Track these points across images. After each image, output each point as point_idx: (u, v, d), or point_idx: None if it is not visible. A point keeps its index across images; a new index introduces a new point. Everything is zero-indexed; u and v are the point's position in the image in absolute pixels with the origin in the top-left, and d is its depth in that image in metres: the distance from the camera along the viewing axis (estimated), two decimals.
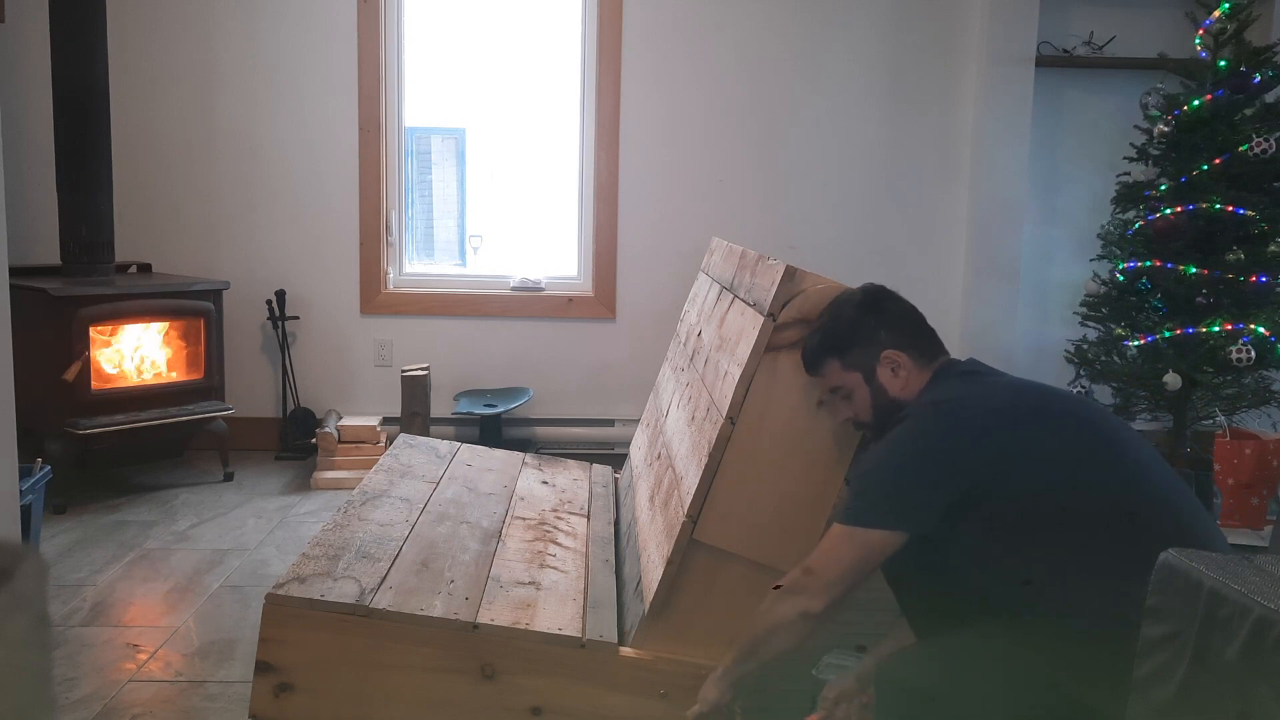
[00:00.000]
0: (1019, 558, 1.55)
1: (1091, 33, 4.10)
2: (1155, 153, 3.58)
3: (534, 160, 4.29)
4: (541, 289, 4.14)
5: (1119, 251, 3.66)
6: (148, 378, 3.54)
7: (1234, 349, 3.28)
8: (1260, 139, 3.32)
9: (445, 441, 2.83)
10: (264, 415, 4.05)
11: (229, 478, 3.61)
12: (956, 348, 4.51)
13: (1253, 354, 3.27)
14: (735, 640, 1.68)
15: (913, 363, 1.75)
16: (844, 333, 1.76)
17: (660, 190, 4.09)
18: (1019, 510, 1.56)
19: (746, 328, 1.81)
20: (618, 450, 4.03)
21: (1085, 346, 3.73)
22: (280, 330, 3.96)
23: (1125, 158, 3.69)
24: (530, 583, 1.94)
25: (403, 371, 3.70)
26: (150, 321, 3.54)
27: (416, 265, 4.28)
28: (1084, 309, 3.77)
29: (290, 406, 4.00)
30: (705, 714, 1.70)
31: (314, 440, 3.80)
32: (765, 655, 1.68)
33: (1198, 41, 3.56)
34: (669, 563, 1.72)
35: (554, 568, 2.05)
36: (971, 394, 1.68)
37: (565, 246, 4.23)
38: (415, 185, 4.33)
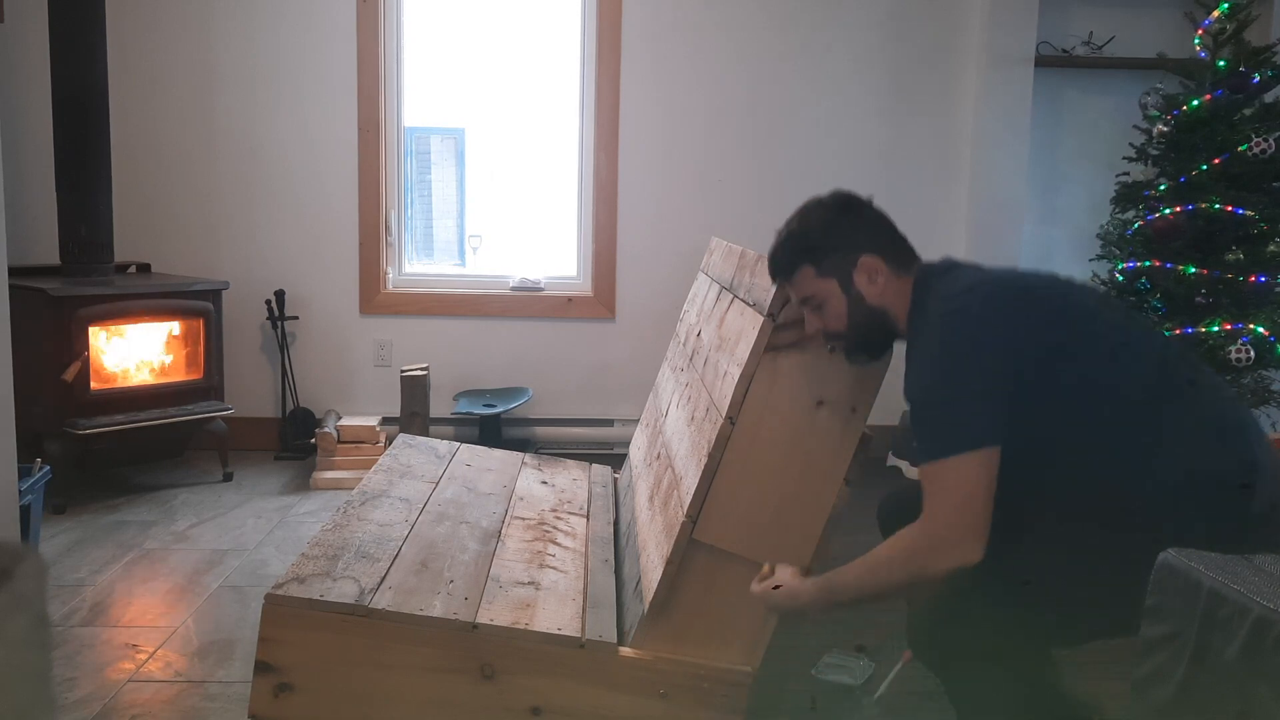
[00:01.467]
0: (1090, 431, 1.52)
1: (1091, 33, 4.10)
2: (1155, 153, 3.58)
3: (533, 160, 4.29)
4: (541, 289, 4.14)
5: (1118, 251, 3.66)
6: (147, 378, 3.54)
7: (1233, 349, 3.28)
8: (1259, 139, 3.32)
9: (445, 441, 2.83)
10: (263, 415, 4.05)
11: (228, 478, 3.61)
12: None
13: (1252, 354, 3.27)
14: (850, 575, 1.59)
15: (889, 270, 1.68)
16: (818, 237, 1.69)
17: (660, 190, 4.09)
18: (1079, 382, 1.52)
19: (746, 328, 1.81)
20: (617, 450, 4.03)
21: None
22: (280, 330, 3.96)
23: (1125, 158, 3.69)
24: (530, 583, 1.95)
25: (402, 371, 3.70)
26: (150, 321, 3.54)
27: (416, 265, 4.28)
28: None
29: (290, 406, 4.00)
30: (783, 615, 1.68)
31: (313, 440, 3.80)
32: (889, 599, 1.62)
33: (1197, 41, 3.56)
34: (668, 562, 1.72)
35: (553, 568, 2.05)
36: (984, 283, 1.60)
37: (565, 246, 4.23)
38: (415, 185, 4.33)
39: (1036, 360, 1.51)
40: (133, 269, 3.83)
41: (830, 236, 1.69)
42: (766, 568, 1.73)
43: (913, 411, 1.58)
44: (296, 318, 4.03)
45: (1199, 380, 1.57)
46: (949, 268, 1.69)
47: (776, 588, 1.69)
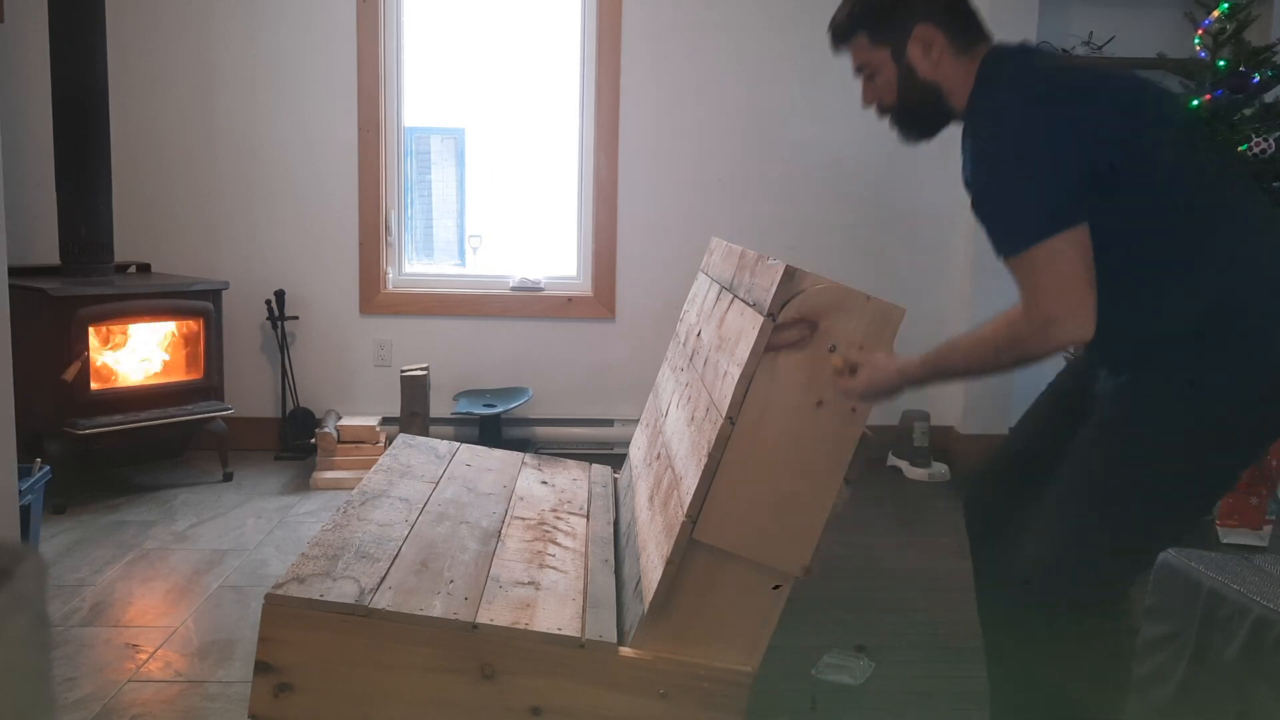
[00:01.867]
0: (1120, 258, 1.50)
1: (1091, 33, 4.10)
2: None
3: (533, 160, 4.29)
4: (541, 289, 4.14)
5: None
6: (147, 378, 3.54)
7: None
8: (1259, 139, 3.32)
9: (445, 441, 2.83)
10: (263, 415, 4.05)
11: (228, 478, 3.61)
12: None
13: None
14: (957, 355, 1.60)
15: (948, 44, 1.64)
16: (875, 3, 1.68)
17: (660, 190, 4.09)
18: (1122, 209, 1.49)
19: (746, 328, 1.81)
20: (617, 450, 4.03)
21: None
22: (280, 330, 3.96)
23: None
24: (530, 583, 1.95)
25: (402, 371, 3.70)
26: (150, 321, 3.54)
27: (416, 265, 4.28)
28: None
29: (290, 406, 4.00)
30: (875, 392, 1.65)
31: (313, 440, 3.80)
32: (987, 375, 1.65)
33: (1197, 41, 3.56)
34: (668, 562, 1.72)
35: (553, 568, 2.05)
36: (1058, 70, 1.59)
37: (565, 246, 4.23)
38: (415, 185, 4.33)
39: (1108, 151, 1.47)
40: (133, 269, 3.83)
41: (886, 3, 1.66)
42: (839, 359, 1.66)
43: (983, 204, 1.53)
44: (296, 318, 4.03)
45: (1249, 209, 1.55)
46: (1022, 51, 1.66)
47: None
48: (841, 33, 1.74)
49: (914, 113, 1.69)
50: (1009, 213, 1.50)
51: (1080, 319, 1.45)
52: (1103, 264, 1.47)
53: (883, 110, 1.73)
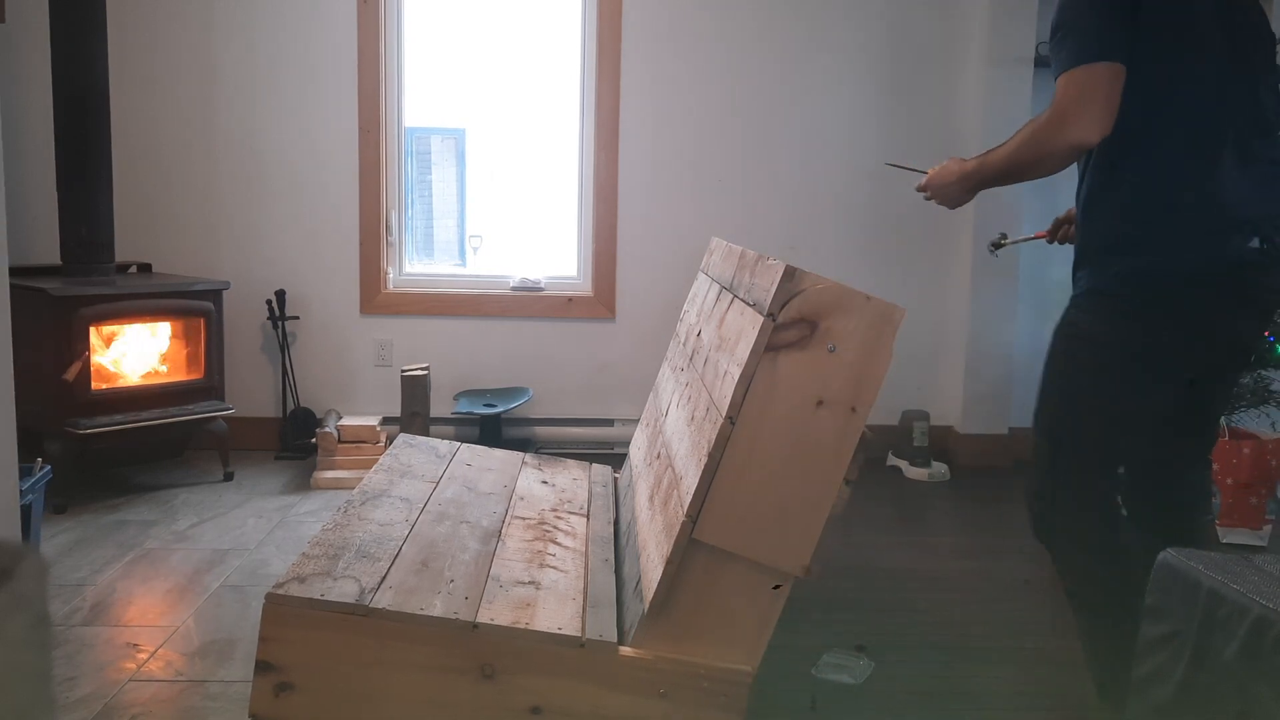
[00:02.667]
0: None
1: None
2: None
3: (534, 160, 4.29)
4: (541, 289, 4.14)
5: None
6: (148, 377, 3.54)
7: None
8: None
9: (445, 441, 2.83)
10: (264, 415, 4.05)
11: (229, 477, 3.61)
12: (958, 348, 4.52)
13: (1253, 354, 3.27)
14: (998, 154, 1.88)
15: None
16: None
17: (660, 190, 4.09)
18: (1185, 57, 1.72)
19: (746, 328, 1.81)
20: (617, 450, 4.03)
21: None
22: (280, 330, 3.96)
23: None
24: (530, 582, 1.95)
25: (403, 371, 3.70)
26: (150, 321, 3.54)
27: (416, 265, 4.28)
28: None
29: (290, 406, 4.00)
30: (942, 200, 2.07)
31: (314, 440, 3.80)
32: (1021, 178, 1.88)
33: None
34: (668, 562, 1.72)
35: (554, 567, 2.05)
36: None
37: (565, 246, 4.23)
38: (415, 185, 4.33)
39: (1168, 18, 1.71)
40: (133, 269, 3.84)
41: None
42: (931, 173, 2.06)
43: (1052, 38, 1.79)
44: (297, 317, 4.03)
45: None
46: None
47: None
48: None
49: None
50: (1062, 43, 1.74)
51: (1088, 123, 1.69)
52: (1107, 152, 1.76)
53: None
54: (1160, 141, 1.74)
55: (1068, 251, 4.34)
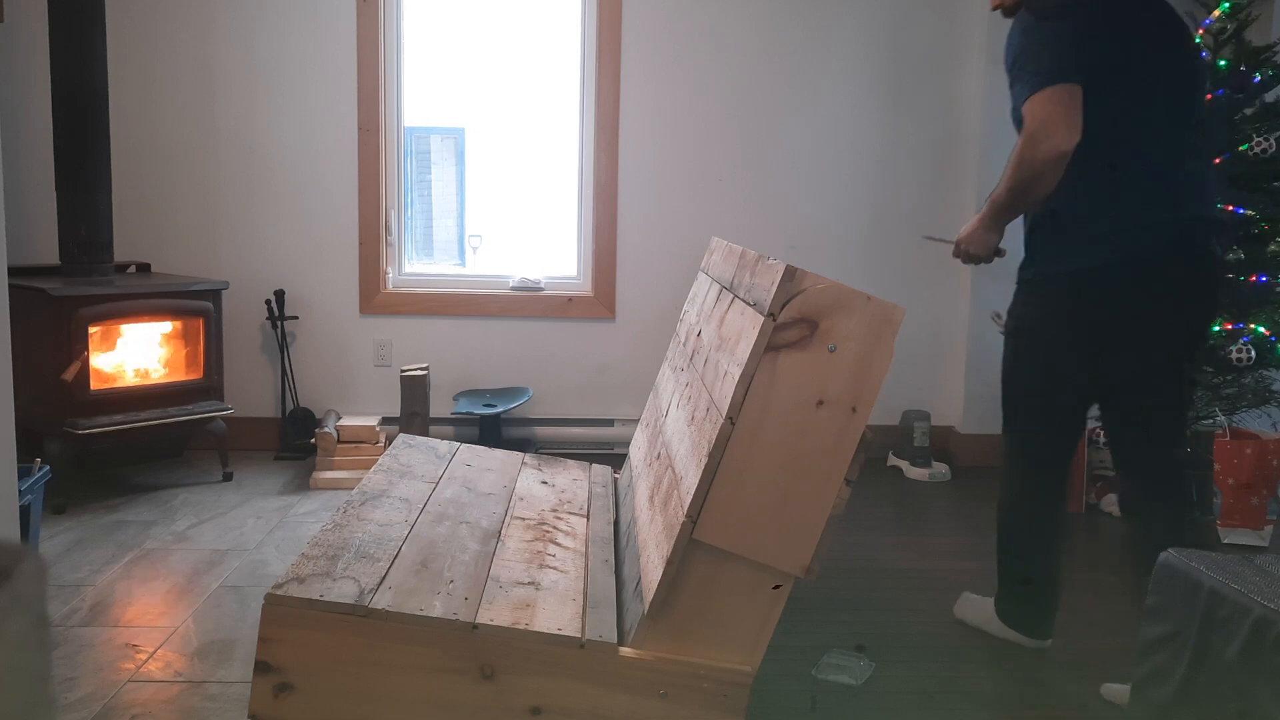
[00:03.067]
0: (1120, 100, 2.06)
1: None
2: None
3: (534, 160, 4.28)
4: (541, 289, 4.14)
5: None
6: (147, 378, 3.54)
7: (1234, 349, 3.29)
8: (1260, 139, 3.32)
9: (444, 441, 2.83)
10: (263, 415, 4.05)
11: (228, 478, 3.61)
12: (957, 347, 4.51)
13: (1253, 354, 3.27)
14: (999, 190, 2.18)
15: None
16: None
17: (659, 190, 4.09)
18: (1114, 80, 2.05)
19: (746, 327, 1.81)
20: (617, 450, 4.03)
21: None
22: (279, 330, 3.96)
23: None
24: (530, 583, 1.95)
25: (402, 371, 3.69)
26: (149, 321, 3.54)
27: (416, 265, 4.28)
28: None
29: (289, 406, 4.00)
30: (976, 256, 2.32)
31: (313, 440, 3.80)
32: (1028, 198, 2.12)
33: (1197, 41, 3.56)
34: (668, 563, 1.72)
35: (553, 568, 2.05)
36: None
37: (565, 246, 4.23)
38: (415, 185, 4.33)
39: (1105, 54, 2.04)
40: (132, 269, 3.83)
41: None
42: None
43: (1018, 62, 2.12)
44: (296, 318, 4.03)
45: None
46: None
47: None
48: None
49: (1012, 10, 2.29)
50: (1030, 65, 2.07)
51: (1059, 135, 1.99)
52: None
53: (1003, 9, 2.37)
54: (1088, 163, 2.04)
55: None
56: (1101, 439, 3.57)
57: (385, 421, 3.88)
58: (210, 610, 2.52)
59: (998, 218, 2.22)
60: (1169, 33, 2.13)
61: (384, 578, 1.85)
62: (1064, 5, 2.09)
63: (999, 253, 2.38)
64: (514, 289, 4.13)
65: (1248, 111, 3.44)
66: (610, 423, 4.15)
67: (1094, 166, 2.06)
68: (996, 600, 2.46)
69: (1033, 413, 2.30)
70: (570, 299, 4.12)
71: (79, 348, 3.26)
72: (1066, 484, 2.40)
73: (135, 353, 3.54)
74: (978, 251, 2.31)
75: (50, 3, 3.37)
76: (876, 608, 2.69)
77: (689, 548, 1.72)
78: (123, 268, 3.77)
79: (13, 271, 2.53)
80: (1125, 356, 2.14)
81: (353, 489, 2.44)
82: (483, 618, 1.75)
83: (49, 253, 3.62)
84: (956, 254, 2.36)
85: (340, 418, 3.86)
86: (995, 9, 2.44)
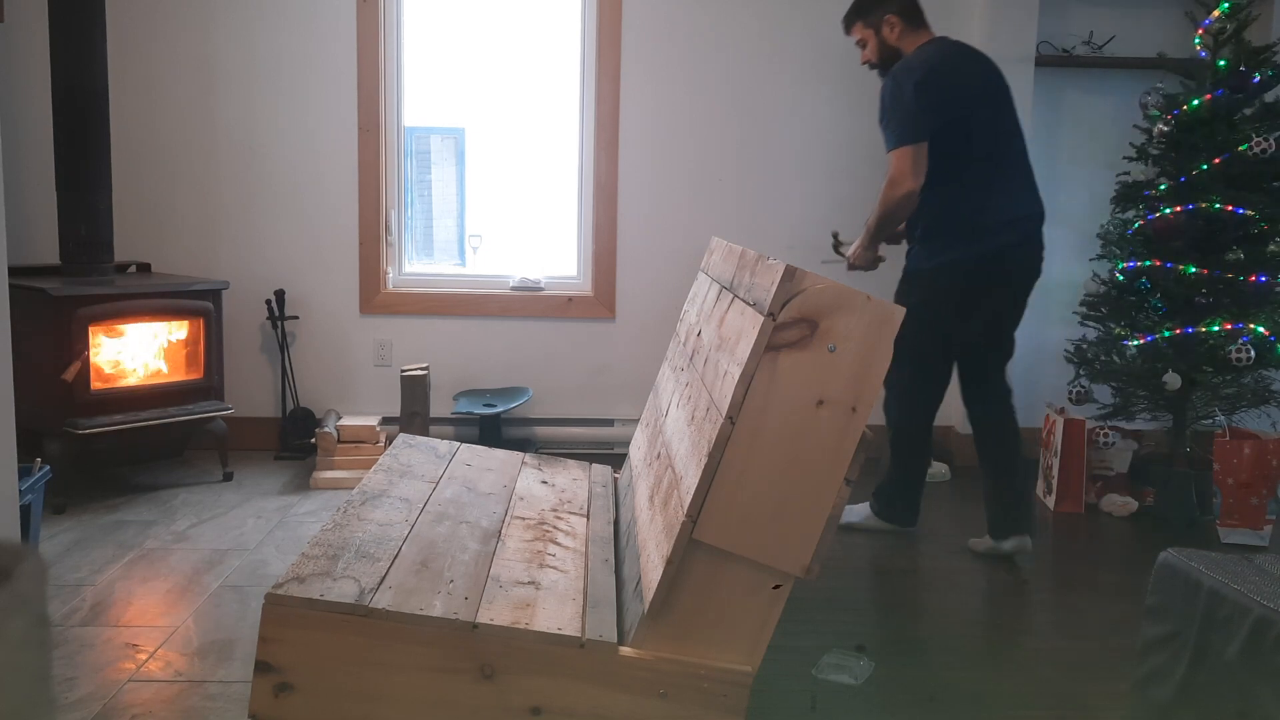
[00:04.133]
0: (960, 151, 2.84)
1: (1091, 32, 4.10)
2: (1155, 152, 3.58)
3: (534, 160, 4.28)
4: (541, 289, 4.14)
5: (1119, 251, 3.66)
6: (147, 377, 3.54)
7: (1233, 349, 3.29)
8: (1260, 138, 3.32)
9: (445, 441, 2.83)
10: (263, 415, 4.05)
11: (228, 478, 3.61)
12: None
13: (1252, 354, 3.27)
14: (871, 219, 2.94)
15: (903, 25, 2.97)
16: (867, 3, 3.01)
17: (660, 190, 4.09)
18: (959, 126, 2.82)
19: (746, 327, 1.81)
20: (617, 450, 4.03)
21: (1085, 346, 3.73)
22: (280, 330, 3.96)
23: (1125, 157, 3.69)
24: (530, 582, 1.95)
25: (402, 371, 3.70)
26: (150, 321, 3.54)
27: (416, 265, 4.28)
28: (1084, 308, 3.77)
29: (289, 406, 4.00)
30: (863, 267, 3.07)
31: (313, 440, 3.80)
32: (894, 224, 2.93)
33: (1197, 41, 3.56)
34: (668, 562, 1.72)
35: (553, 567, 2.05)
36: (927, 56, 2.88)
37: (565, 246, 4.23)
38: (415, 185, 4.33)
39: (949, 112, 2.81)
40: (133, 269, 3.83)
41: (875, 3, 2.99)
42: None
43: (882, 119, 2.87)
44: (296, 317, 4.03)
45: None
46: (942, 40, 2.97)
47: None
48: (848, 21, 3.07)
49: (887, 64, 2.97)
50: (890, 128, 2.83)
51: (911, 182, 2.77)
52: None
53: (870, 66, 3.06)
54: (947, 183, 2.83)
55: (1067, 253, 4.44)
56: (1101, 439, 3.57)
57: (385, 421, 3.88)
58: (210, 610, 2.53)
59: (874, 238, 2.98)
60: (994, 81, 2.92)
61: (384, 577, 1.85)
62: (916, 81, 2.79)
63: (880, 259, 3.07)
64: (514, 289, 4.13)
65: (1247, 111, 3.44)
66: (610, 423, 4.15)
67: (960, 187, 2.84)
68: (871, 503, 3.21)
69: (921, 359, 2.88)
70: (570, 299, 4.12)
71: (79, 347, 3.26)
72: (935, 413, 3.10)
73: (135, 353, 3.54)
74: (866, 265, 3.06)
75: (50, 3, 3.37)
76: (876, 608, 2.70)
77: (689, 547, 1.72)
78: (123, 267, 3.77)
79: (13, 271, 2.52)
80: (988, 316, 2.93)
81: (353, 489, 2.44)
82: (483, 617, 1.75)
83: (49, 253, 3.62)
84: (850, 268, 3.09)
85: (340, 418, 3.86)
86: (864, 64, 3.10)
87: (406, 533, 2.09)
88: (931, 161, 2.76)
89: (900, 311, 1.72)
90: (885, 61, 2.97)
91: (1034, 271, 2.95)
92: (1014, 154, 2.92)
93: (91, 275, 3.44)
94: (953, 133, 2.79)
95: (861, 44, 3.04)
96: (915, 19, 2.99)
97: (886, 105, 2.82)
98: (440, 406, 4.00)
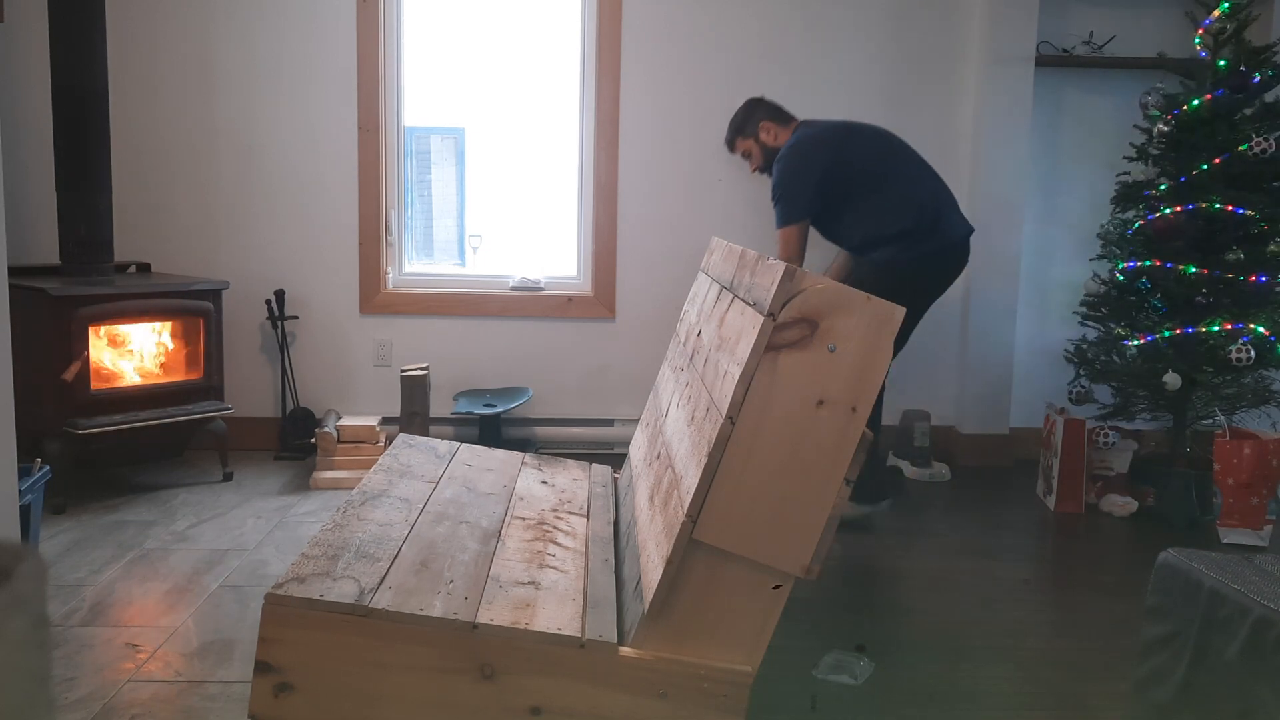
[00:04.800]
0: (853, 206, 3.27)
1: (1091, 32, 4.10)
2: (1155, 152, 3.58)
3: (534, 160, 4.28)
4: (541, 289, 4.14)
5: (1119, 251, 3.66)
6: (147, 378, 3.54)
7: (1234, 349, 3.29)
8: (1260, 138, 3.32)
9: (444, 441, 2.83)
10: (263, 415, 4.05)
11: (228, 478, 3.61)
12: (958, 347, 4.51)
13: (1252, 354, 3.27)
14: None
15: (776, 125, 3.43)
16: (742, 123, 3.49)
17: (660, 190, 4.09)
18: (845, 187, 3.24)
19: (746, 327, 1.81)
20: (617, 450, 4.03)
21: (1085, 346, 3.73)
22: (279, 330, 3.96)
23: (1125, 157, 3.69)
24: (530, 582, 1.95)
25: (402, 371, 3.70)
26: (150, 321, 3.54)
27: (416, 265, 4.28)
28: (1084, 309, 3.77)
29: (289, 406, 4.00)
30: None
31: (313, 440, 3.80)
32: None
33: (1197, 41, 3.56)
34: (668, 562, 1.72)
35: (553, 567, 2.05)
36: (807, 136, 3.30)
37: (565, 246, 4.23)
38: (415, 185, 4.33)
39: (831, 176, 3.23)
40: (133, 269, 3.83)
41: (747, 119, 3.48)
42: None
43: (774, 199, 3.28)
44: (296, 317, 4.03)
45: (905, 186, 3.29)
46: (807, 124, 3.38)
47: None
48: (731, 140, 3.55)
49: (769, 165, 3.37)
50: (777, 207, 3.26)
51: (794, 258, 3.18)
52: (838, 216, 3.31)
53: (759, 169, 3.50)
54: (900, 210, 3.24)
55: (1067, 253, 4.46)
56: (1101, 439, 3.57)
57: (385, 421, 3.88)
58: (210, 610, 2.52)
59: None
60: (859, 129, 3.36)
61: (384, 577, 1.85)
62: (785, 166, 3.24)
63: None
64: (514, 289, 4.13)
65: (1247, 111, 3.44)
66: (610, 423, 4.15)
67: (902, 211, 3.21)
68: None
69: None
70: (570, 299, 4.12)
71: (79, 347, 3.26)
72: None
73: (135, 353, 3.54)
74: None
75: (50, 3, 3.37)
76: (876, 608, 2.69)
77: (689, 547, 1.72)
78: (123, 267, 3.77)
79: (13, 271, 2.52)
80: (931, 298, 3.29)
81: (353, 489, 2.44)
82: (483, 617, 1.75)
83: (49, 252, 3.62)
84: None
85: (340, 418, 3.86)
86: (754, 172, 3.54)
87: (406, 533, 2.09)
88: (836, 200, 3.24)
89: (900, 311, 1.72)
90: (770, 161, 3.37)
91: (964, 260, 3.34)
92: (926, 175, 3.31)
93: (91, 275, 3.44)
94: (839, 176, 3.22)
95: (747, 155, 3.48)
96: (783, 117, 3.43)
97: (775, 183, 3.25)
98: (440, 406, 4.00)
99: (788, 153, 3.26)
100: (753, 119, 3.42)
